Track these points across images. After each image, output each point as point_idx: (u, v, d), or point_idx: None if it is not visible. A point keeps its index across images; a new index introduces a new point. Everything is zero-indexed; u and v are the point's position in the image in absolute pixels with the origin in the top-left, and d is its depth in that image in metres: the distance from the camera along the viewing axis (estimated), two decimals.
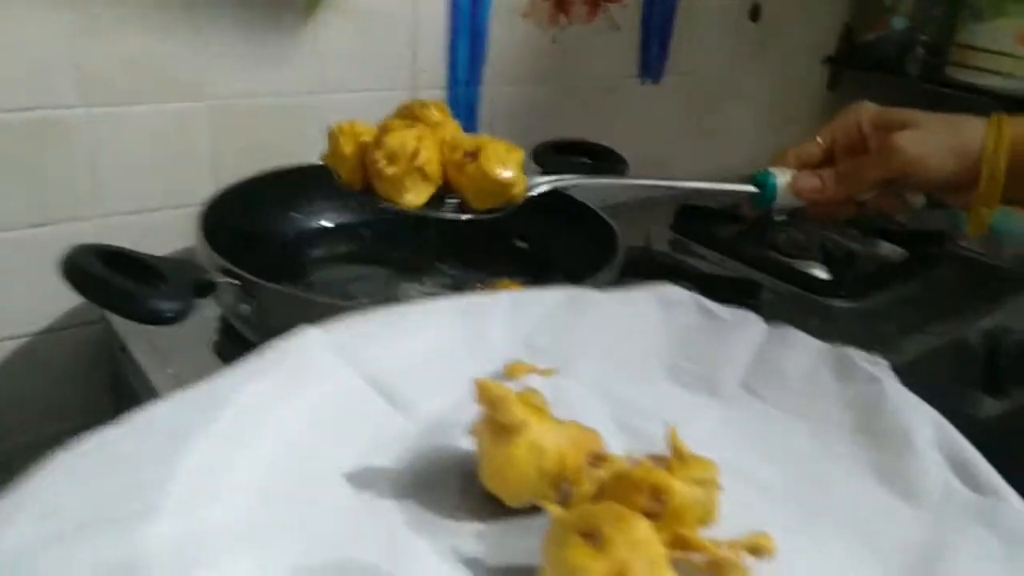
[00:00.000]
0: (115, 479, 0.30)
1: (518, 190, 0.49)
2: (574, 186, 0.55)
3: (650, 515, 0.30)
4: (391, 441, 0.36)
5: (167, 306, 0.39)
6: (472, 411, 0.34)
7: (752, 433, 0.40)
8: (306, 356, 0.38)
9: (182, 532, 0.29)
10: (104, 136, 0.60)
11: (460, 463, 0.36)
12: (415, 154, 0.47)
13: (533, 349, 0.43)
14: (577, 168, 0.67)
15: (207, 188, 0.62)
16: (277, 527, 0.31)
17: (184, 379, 0.51)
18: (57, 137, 0.58)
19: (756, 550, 0.31)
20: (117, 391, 0.62)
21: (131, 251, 0.43)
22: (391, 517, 0.33)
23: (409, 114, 0.51)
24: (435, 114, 0.51)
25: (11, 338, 0.61)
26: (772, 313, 0.67)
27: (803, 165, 0.55)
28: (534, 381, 0.40)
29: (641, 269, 0.72)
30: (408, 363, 0.39)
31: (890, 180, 0.51)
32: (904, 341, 0.65)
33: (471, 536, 0.33)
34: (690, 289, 0.71)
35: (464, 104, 0.75)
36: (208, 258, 0.47)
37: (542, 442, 0.33)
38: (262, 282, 0.44)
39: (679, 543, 0.30)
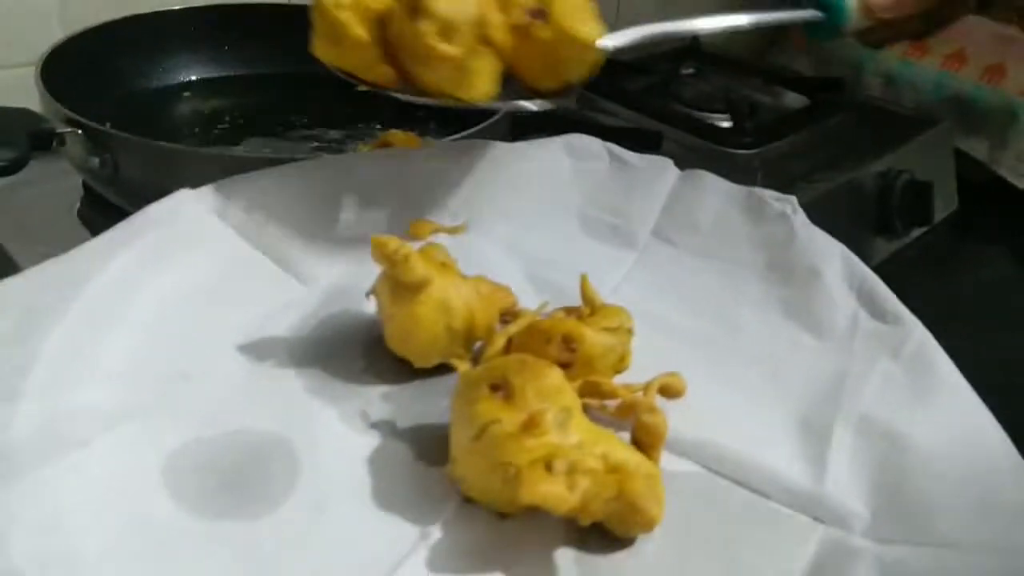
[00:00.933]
0: None
1: (600, 55, 0.37)
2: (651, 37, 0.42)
3: (562, 364, 0.29)
4: (285, 308, 0.34)
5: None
6: (373, 272, 0.33)
7: (664, 279, 0.40)
8: (182, 221, 0.35)
9: (49, 415, 0.27)
10: None
11: (363, 327, 0.34)
12: (482, 20, 0.33)
13: (437, 207, 0.41)
14: None
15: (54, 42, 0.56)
16: (159, 403, 0.29)
17: (49, 249, 0.49)
18: None
19: (666, 390, 0.31)
20: None
21: None
22: (290, 385, 0.31)
23: None
24: None
25: None
26: (676, 163, 0.68)
27: None
28: (440, 239, 0.38)
29: (545, 125, 0.71)
30: (299, 224, 0.37)
31: None
32: (801, 186, 0.66)
33: (378, 399, 0.32)
34: None
35: None
36: (48, 106, 0.42)
37: (449, 299, 0.31)
38: (108, 129, 0.40)
39: (592, 390, 0.30)
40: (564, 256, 0.40)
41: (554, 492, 0.24)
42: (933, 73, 0.98)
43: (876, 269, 0.73)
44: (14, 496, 0.24)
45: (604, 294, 0.35)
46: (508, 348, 0.32)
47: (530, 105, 0.37)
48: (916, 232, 0.75)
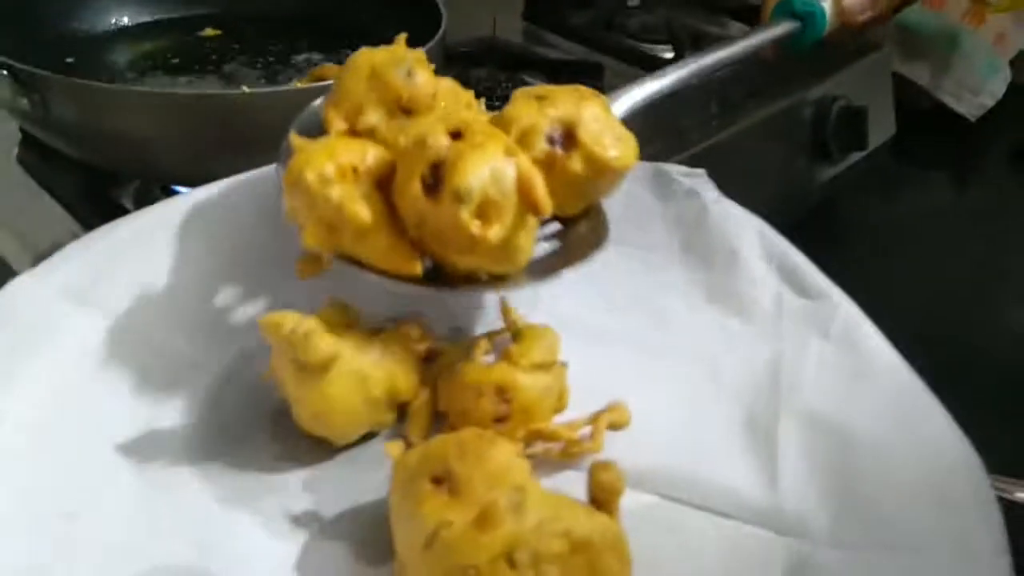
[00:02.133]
0: None
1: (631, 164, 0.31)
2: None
3: (498, 418, 0.28)
4: (171, 402, 0.30)
5: None
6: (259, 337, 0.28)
7: (585, 278, 0.34)
8: (26, 316, 0.29)
9: None
10: None
11: (268, 407, 0.30)
12: (524, 184, 0.27)
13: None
14: None
15: None
16: (50, 554, 0.24)
17: None
18: None
19: (613, 425, 0.30)
20: None
21: None
22: (195, 498, 0.27)
23: (379, 95, 0.30)
24: (428, 84, 0.31)
25: None
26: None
27: None
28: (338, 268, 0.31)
29: (488, 58, 0.72)
30: (164, 296, 0.32)
31: None
32: (739, 113, 0.68)
33: (299, 489, 0.28)
34: (538, 77, 0.71)
35: None
36: None
37: (362, 368, 0.28)
38: (35, 69, 0.41)
39: (535, 438, 0.28)
40: None
41: None
42: None
43: (815, 193, 0.77)
44: None
45: (523, 308, 0.32)
46: (434, 400, 0.30)
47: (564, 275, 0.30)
48: (853, 157, 0.78)
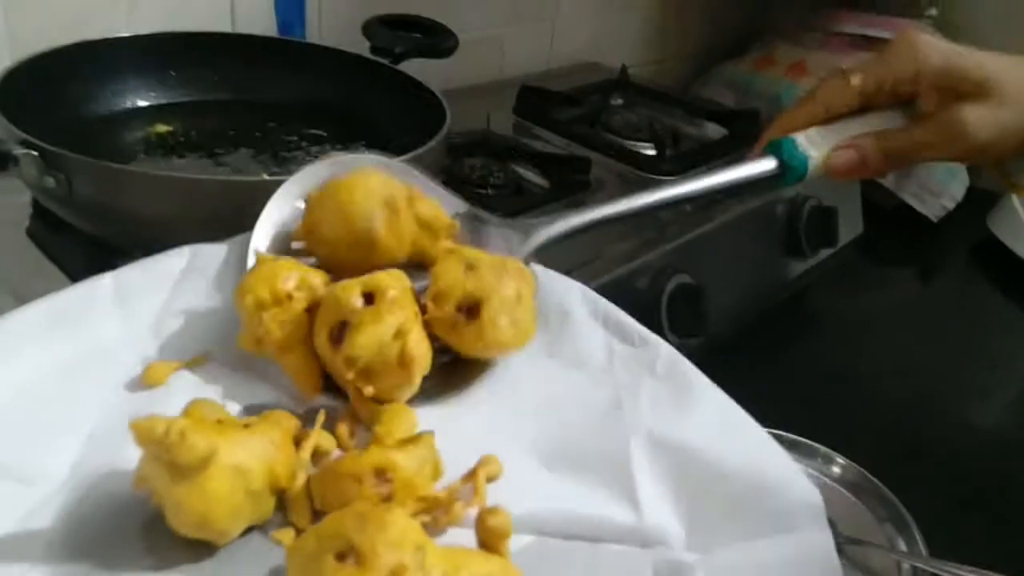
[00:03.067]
0: None
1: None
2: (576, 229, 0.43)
3: (384, 499, 0.29)
4: (23, 523, 0.28)
5: None
6: (116, 444, 0.29)
7: None
8: None
9: None
10: None
11: (129, 513, 0.29)
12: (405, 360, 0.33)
13: (165, 339, 0.36)
14: (407, 43, 0.68)
15: (2, 66, 0.58)
16: None
17: None
18: None
19: (489, 477, 0.32)
20: None
21: None
22: None
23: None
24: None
25: None
26: (603, 187, 0.73)
27: (830, 116, 0.45)
28: (183, 380, 0.34)
29: (479, 149, 0.76)
30: (6, 415, 0.31)
31: (946, 159, 0.45)
32: (716, 209, 0.72)
33: None
34: (527, 167, 0.75)
35: None
36: (3, 129, 0.45)
37: (241, 462, 0.28)
38: (64, 151, 0.43)
39: (421, 507, 0.30)
40: None
41: None
42: None
43: (786, 287, 0.81)
44: None
45: None
46: (317, 493, 0.30)
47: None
48: (824, 253, 0.83)
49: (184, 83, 0.63)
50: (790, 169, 0.45)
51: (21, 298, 0.49)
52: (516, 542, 0.30)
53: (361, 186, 0.37)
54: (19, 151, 0.43)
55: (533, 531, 0.31)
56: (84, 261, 0.53)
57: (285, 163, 0.58)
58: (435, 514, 0.30)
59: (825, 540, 0.31)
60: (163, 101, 0.63)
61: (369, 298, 0.34)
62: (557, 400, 0.36)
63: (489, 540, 0.29)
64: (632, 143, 0.83)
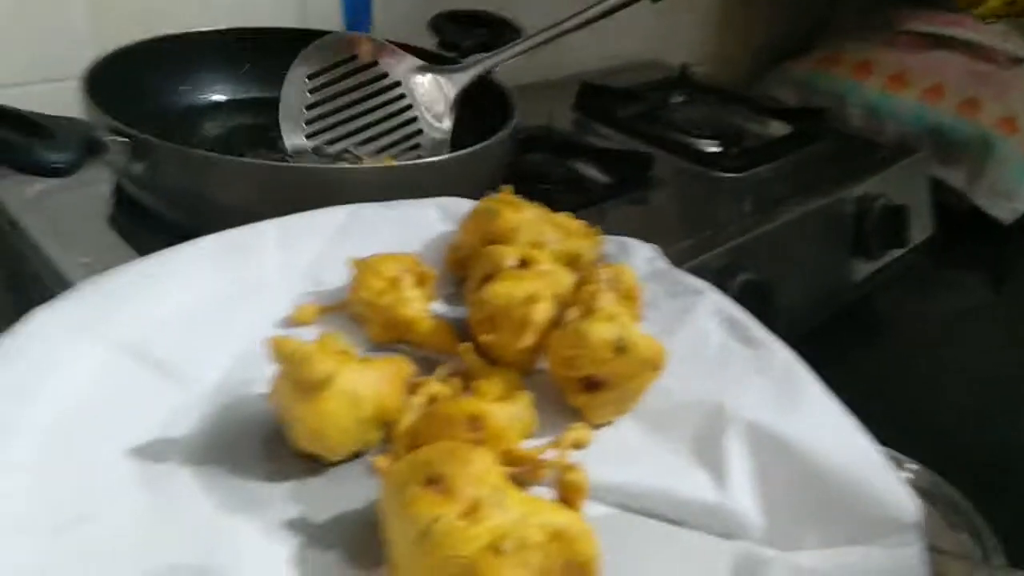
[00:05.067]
0: None
1: None
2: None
3: (474, 444, 0.30)
4: (172, 416, 0.33)
5: (57, 157, 0.40)
6: (258, 366, 0.32)
7: None
8: (39, 346, 0.33)
9: None
10: None
11: (260, 424, 0.33)
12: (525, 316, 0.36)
13: (318, 283, 0.41)
14: (474, 37, 0.69)
15: (86, 59, 0.60)
16: (64, 556, 0.27)
17: (81, 251, 0.54)
18: None
19: (576, 444, 0.33)
20: (7, 270, 0.62)
21: (13, 108, 0.44)
22: (199, 507, 0.30)
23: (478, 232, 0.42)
24: (508, 221, 0.41)
25: None
26: (666, 184, 0.73)
27: None
28: (325, 322, 0.39)
29: (542, 145, 0.76)
30: (172, 323, 0.36)
31: None
32: (782, 208, 0.71)
33: (290, 499, 0.31)
34: (588, 163, 0.76)
35: None
36: (95, 117, 0.47)
37: (355, 389, 0.31)
38: (153, 139, 0.45)
39: (506, 460, 0.31)
40: None
41: (512, 574, 0.25)
42: (912, 105, 1.05)
43: (854, 289, 0.79)
44: None
45: None
46: (413, 433, 0.33)
47: None
48: (893, 254, 0.81)
49: (257, 78, 0.64)
50: None
51: None
52: (597, 510, 0.31)
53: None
54: (109, 138, 0.45)
55: (615, 503, 0.32)
56: (162, 248, 0.55)
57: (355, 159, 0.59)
58: (520, 469, 0.31)
59: (917, 555, 0.30)
60: (238, 96, 0.64)
61: (522, 265, 0.38)
62: (660, 384, 0.36)
63: (566, 495, 0.30)
64: (695, 140, 0.82)
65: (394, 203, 0.45)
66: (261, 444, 0.33)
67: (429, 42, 0.69)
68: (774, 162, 0.79)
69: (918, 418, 0.66)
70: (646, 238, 0.48)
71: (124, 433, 0.32)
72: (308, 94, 0.58)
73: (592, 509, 0.31)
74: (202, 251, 0.39)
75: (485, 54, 0.61)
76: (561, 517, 0.28)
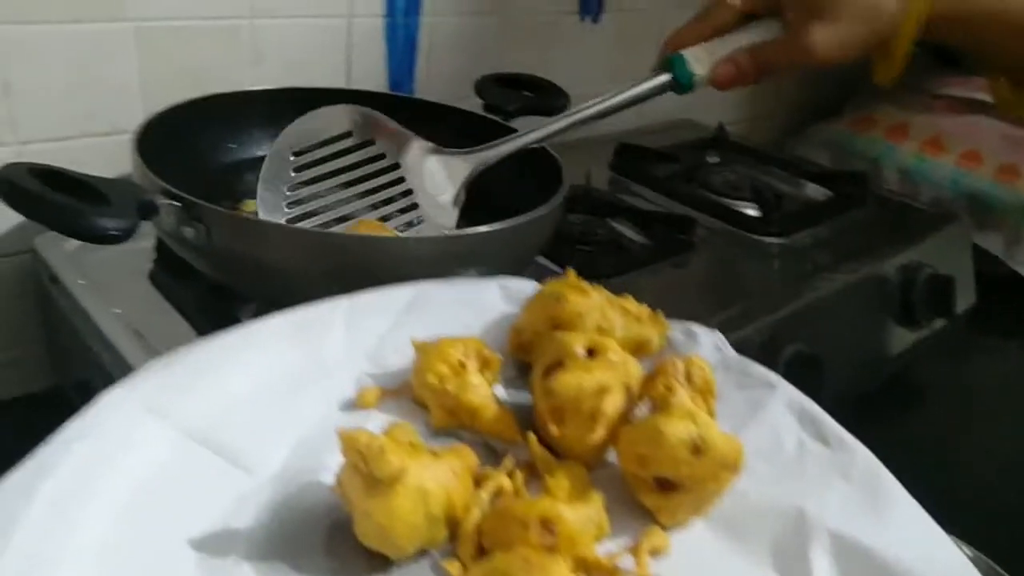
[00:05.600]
0: None
1: None
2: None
3: (546, 549, 0.29)
4: (235, 504, 0.33)
5: (114, 224, 0.39)
6: (323, 451, 0.33)
7: None
8: (111, 427, 0.33)
9: None
10: (18, 57, 0.58)
11: (323, 515, 0.33)
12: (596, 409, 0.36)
13: (382, 366, 0.41)
14: (520, 100, 0.69)
15: (136, 115, 0.61)
16: None
17: (120, 307, 0.53)
18: None
19: (654, 552, 0.32)
20: (48, 323, 0.62)
21: (69, 170, 0.43)
22: None
23: (542, 316, 0.41)
24: (575, 305, 0.41)
25: None
26: (707, 247, 0.73)
27: (717, 32, 0.56)
28: (388, 406, 0.38)
29: (581, 206, 0.76)
30: (237, 407, 0.36)
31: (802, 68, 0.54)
32: (826, 276, 0.70)
33: None
34: (625, 224, 0.75)
35: (404, 34, 0.76)
36: (147, 180, 0.47)
37: (425, 485, 0.31)
38: (207, 204, 0.45)
39: (581, 566, 0.30)
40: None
41: None
42: (949, 170, 1.04)
43: (898, 359, 0.78)
44: None
45: None
46: (484, 532, 0.32)
47: None
48: (937, 324, 0.79)
49: None
50: (679, 84, 0.55)
51: (144, 339, 0.51)
52: None
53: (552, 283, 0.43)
54: (162, 201, 0.45)
55: None
56: (203, 306, 0.55)
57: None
58: (593, 575, 0.30)
59: None
60: None
61: (590, 354, 0.37)
62: (737, 487, 0.35)
63: None
64: (733, 202, 0.82)
65: (457, 282, 0.45)
66: (324, 537, 0.32)
67: (473, 104, 0.69)
68: (815, 227, 0.78)
69: (967, 495, 0.64)
70: (690, 305, 0.47)
71: (189, 521, 0.31)
72: (292, 172, 0.53)
73: None
74: (271, 331, 0.39)
75: (498, 140, 0.56)
76: None
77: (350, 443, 0.30)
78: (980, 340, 0.90)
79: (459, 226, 0.54)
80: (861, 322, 0.73)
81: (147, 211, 0.43)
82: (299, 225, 0.48)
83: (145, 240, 0.58)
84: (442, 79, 0.79)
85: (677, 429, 0.33)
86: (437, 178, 0.56)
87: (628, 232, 0.74)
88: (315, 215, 0.53)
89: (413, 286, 0.44)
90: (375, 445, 0.29)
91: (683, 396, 0.34)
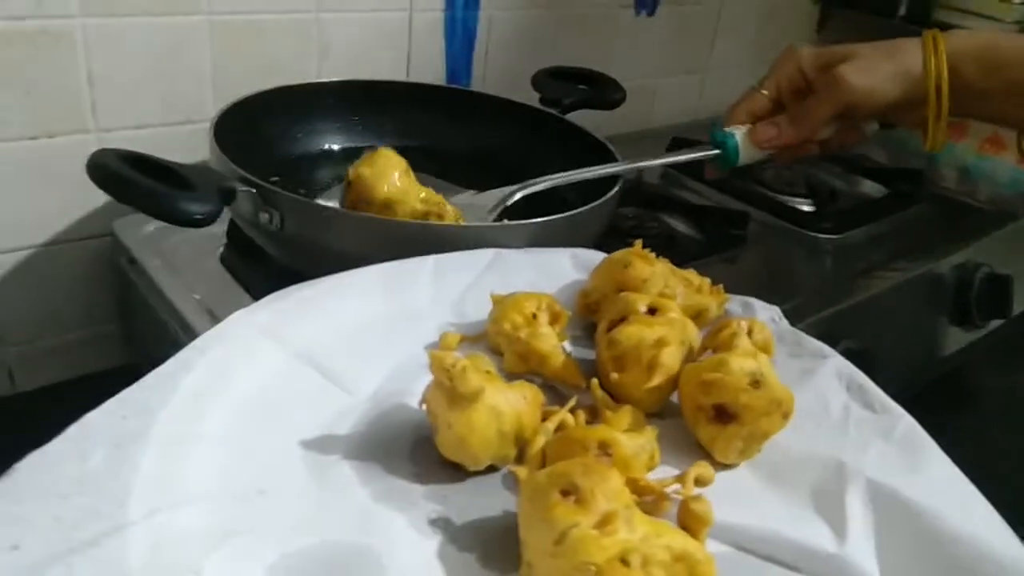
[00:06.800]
0: (71, 500, 0.30)
1: None
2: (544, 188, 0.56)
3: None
4: (337, 417, 0.37)
5: (198, 208, 0.42)
6: (411, 379, 0.36)
7: None
8: (236, 342, 0.38)
9: (155, 543, 0.29)
10: (102, 48, 0.61)
11: (409, 431, 0.37)
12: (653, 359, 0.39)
13: (462, 316, 0.45)
14: (576, 94, 0.71)
15: (209, 104, 0.63)
16: (247, 521, 0.31)
17: (194, 287, 0.56)
18: (54, 48, 0.59)
19: (699, 481, 0.34)
20: (124, 303, 0.65)
21: (154, 157, 0.46)
22: (356, 496, 0.33)
23: (610, 282, 0.45)
24: (640, 272, 0.44)
25: (13, 250, 0.62)
26: (759, 243, 0.73)
27: (754, 118, 0.59)
28: (466, 349, 0.42)
29: (634, 200, 0.77)
30: (340, 338, 0.40)
31: (841, 113, 0.55)
32: (881, 273, 0.70)
33: (437, 502, 0.34)
34: (677, 218, 0.76)
35: (462, 27, 0.77)
36: (225, 167, 0.49)
37: (499, 405, 0.34)
38: (283, 191, 0.47)
39: (632, 488, 0.32)
40: None
41: None
42: (1009, 168, 1.02)
43: (951, 358, 0.77)
44: None
45: None
46: (546, 454, 0.35)
47: None
48: (993, 324, 0.78)
49: (366, 129, 0.67)
50: (726, 155, 0.58)
51: (216, 318, 0.53)
52: (715, 548, 0.32)
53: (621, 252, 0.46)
54: (240, 188, 0.47)
55: (733, 543, 0.33)
56: (270, 287, 0.57)
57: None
58: (644, 498, 0.33)
59: None
60: (349, 145, 0.67)
61: (652, 313, 0.41)
62: (780, 440, 0.37)
63: (690, 524, 0.31)
64: (787, 198, 0.81)
65: (533, 250, 0.49)
66: (409, 448, 0.36)
67: (529, 97, 0.70)
68: (870, 224, 0.78)
69: (1007, 492, 0.63)
70: None
71: (297, 426, 0.36)
72: None
73: (710, 546, 0.32)
74: (370, 278, 0.44)
75: (543, 178, 0.57)
76: (685, 542, 0.29)
77: (438, 362, 0.33)
78: None
79: (513, 218, 0.56)
80: (915, 321, 0.73)
81: (227, 197, 0.46)
82: (369, 215, 0.50)
83: (218, 225, 0.60)
84: (499, 72, 0.81)
85: (741, 361, 0.36)
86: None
87: (680, 226, 0.74)
88: None
89: (494, 251, 0.48)
90: (460, 364, 0.33)
91: (746, 341, 0.37)
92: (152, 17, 0.62)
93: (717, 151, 0.58)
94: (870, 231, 0.77)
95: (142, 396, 0.34)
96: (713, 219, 0.74)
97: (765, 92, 0.59)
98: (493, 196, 0.56)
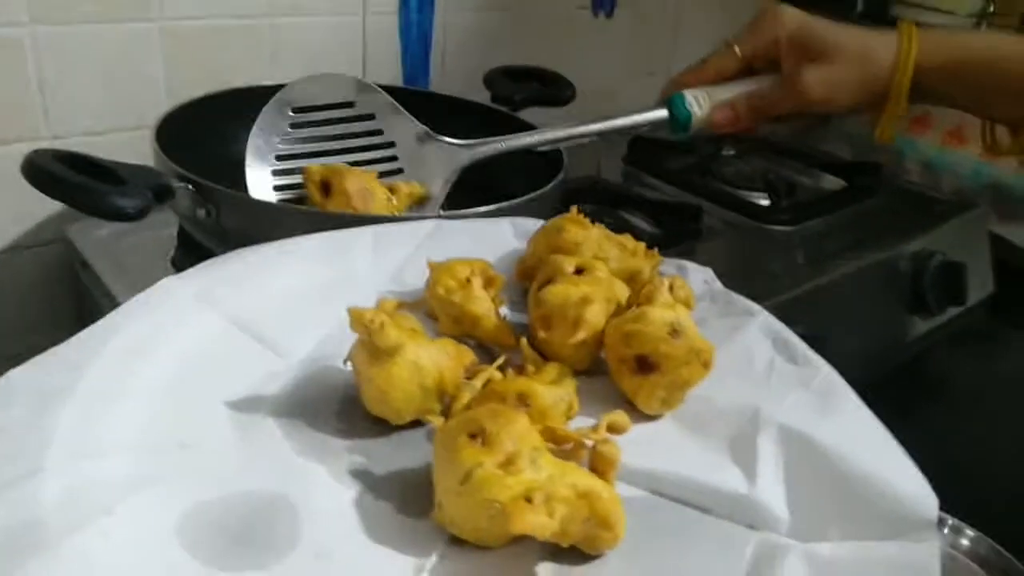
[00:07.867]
0: None
1: None
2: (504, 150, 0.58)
3: None
4: (266, 379, 0.38)
5: (127, 203, 0.42)
6: (343, 344, 0.36)
7: None
8: (167, 306, 0.39)
9: (71, 486, 0.29)
10: (53, 55, 0.61)
11: (338, 391, 0.38)
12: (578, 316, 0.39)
13: (401, 284, 0.45)
14: (527, 91, 0.71)
15: (163, 109, 0.63)
16: (166, 471, 0.32)
17: (140, 286, 0.56)
18: (5, 56, 0.59)
19: (613, 428, 0.34)
20: (80, 306, 0.65)
21: (93, 156, 0.46)
22: (279, 448, 0.34)
23: (547, 246, 0.45)
24: (573, 235, 0.45)
25: None
26: (716, 237, 0.73)
27: (721, 79, 0.58)
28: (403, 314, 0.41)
29: (590, 196, 0.77)
30: (274, 303, 0.41)
31: (799, 111, 0.56)
32: (836, 262, 0.70)
33: (356, 453, 0.35)
34: (636, 214, 0.76)
35: (417, 30, 0.78)
36: (163, 165, 0.50)
37: (420, 360, 0.35)
38: (217, 186, 0.47)
39: (548, 436, 0.33)
40: None
41: (538, 521, 0.28)
42: (971, 161, 1.02)
43: (911, 346, 0.77)
44: (49, 563, 0.27)
45: None
46: (470, 406, 0.35)
47: None
48: (951, 312, 0.79)
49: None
50: (675, 119, 0.57)
51: None
52: (629, 492, 0.33)
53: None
54: (177, 185, 0.47)
55: (647, 487, 0.34)
56: None
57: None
58: (560, 446, 0.33)
59: (934, 552, 0.31)
60: None
61: (579, 273, 0.41)
62: (703, 392, 0.38)
63: (598, 465, 0.32)
64: (745, 192, 0.82)
65: (473, 219, 0.50)
66: (337, 407, 0.37)
67: (485, 96, 0.71)
68: (826, 216, 0.78)
69: (972, 482, 0.63)
70: None
71: (226, 386, 0.37)
72: (288, 127, 0.56)
73: (624, 491, 0.33)
74: (308, 246, 0.45)
75: (495, 138, 0.58)
76: (592, 481, 0.30)
77: (358, 318, 0.34)
78: (999, 331, 0.89)
79: (461, 207, 0.56)
80: (870, 308, 0.73)
81: (161, 193, 0.46)
82: (303, 207, 0.50)
83: (169, 228, 0.61)
84: (457, 73, 0.81)
85: (660, 312, 0.37)
86: (429, 164, 0.57)
87: (637, 222, 0.74)
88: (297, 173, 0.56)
89: (434, 220, 0.49)
90: (378, 320, 0.34)
91: (666, 294, 0.38)
92: (103, 24, 0.63)
93: (666, 114, 0.57)
94: (827, 223, 0.78)
95: (68, 354, 0.35)
96: (669, 214, 0.74)
97: (738, 52, 0.58)
98: (440, 168, 0.56)
